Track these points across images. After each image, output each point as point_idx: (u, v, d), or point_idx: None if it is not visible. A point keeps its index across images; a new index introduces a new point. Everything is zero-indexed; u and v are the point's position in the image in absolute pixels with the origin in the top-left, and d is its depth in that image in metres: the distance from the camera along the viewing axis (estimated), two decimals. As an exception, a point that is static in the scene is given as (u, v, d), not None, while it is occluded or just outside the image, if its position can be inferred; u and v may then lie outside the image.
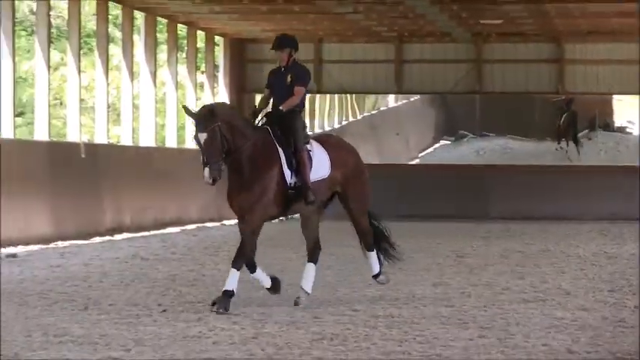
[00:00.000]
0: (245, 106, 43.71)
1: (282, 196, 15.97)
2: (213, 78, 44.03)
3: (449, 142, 70.61)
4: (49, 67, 32.66)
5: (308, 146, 16.23)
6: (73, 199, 30.90)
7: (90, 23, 36.04)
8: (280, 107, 16.14)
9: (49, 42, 32.66)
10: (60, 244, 28.44)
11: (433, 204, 42.24)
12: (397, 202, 41.24)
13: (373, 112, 66.33)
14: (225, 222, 40.26)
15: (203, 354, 12.08)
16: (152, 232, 33.82)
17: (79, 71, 33.81)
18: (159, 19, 38.86)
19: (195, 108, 17.69)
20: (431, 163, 59.19)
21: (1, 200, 26.51)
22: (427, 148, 71.48)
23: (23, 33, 43.96)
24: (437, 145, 71.09)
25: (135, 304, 16.42)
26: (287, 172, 15.89)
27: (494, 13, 37.85)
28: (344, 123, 60.40)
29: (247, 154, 15.66)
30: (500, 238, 32.74)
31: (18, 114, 33.84)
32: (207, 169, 15.16)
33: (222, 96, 43.81)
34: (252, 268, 16.06)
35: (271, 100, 16.49)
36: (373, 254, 17.24)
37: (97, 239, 30.43)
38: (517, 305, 16.69)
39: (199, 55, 44.14)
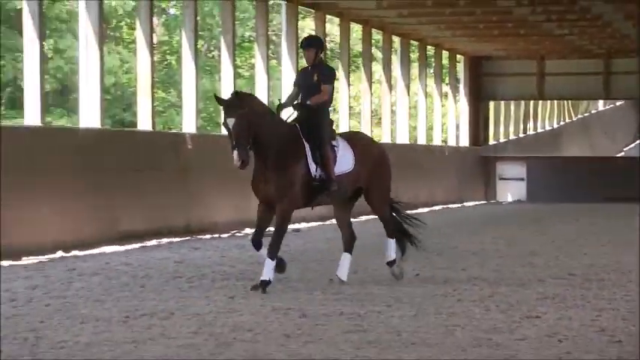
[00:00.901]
0: (480, 112, 44.46)
1: (308, 187, 14.04)
2: (455, 89, 44.61)
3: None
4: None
5: (334, 142, 14.33)
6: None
7: (357, 46, 36.63)
8: (308, 102, 14.26)
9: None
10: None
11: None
12: (603, 187, 41.45)
13: (585, 114, 66.26)
14: (465, 204, 40.68)
15: (449, 309, 12.28)
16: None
17: (349, 84, 34.50)
18: (412, 41, 39.45)
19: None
20: (634, 156, 58.46)
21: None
22: (630, 144, 71.46)
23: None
24: (638, 142, 71.03)
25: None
26: (312, 166, 13.98)
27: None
28: (561, 124, 60.58)
29: (275, 147, 13.75)
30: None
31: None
32: (236, 152, 13.18)
33: (463, 103, 44.47)
34: (258, 246, 13.96)
35: (299, 97, 14.53)
36: (392, 242, 15.14)
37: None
38: None
39: (444, 70, 44.72)
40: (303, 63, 15.03)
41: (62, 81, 37.84)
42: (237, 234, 24.26)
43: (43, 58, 20.53)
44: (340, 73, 34.23)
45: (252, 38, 40.27)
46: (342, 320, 11.21)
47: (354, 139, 14.96)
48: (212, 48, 44.56)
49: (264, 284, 13.53)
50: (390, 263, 15.07)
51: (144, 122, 23.82)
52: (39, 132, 19.85)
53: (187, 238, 22.76)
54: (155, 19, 25.26)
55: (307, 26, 40.78)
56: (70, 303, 12.57)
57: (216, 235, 23.66)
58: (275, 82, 34.90)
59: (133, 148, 22.38)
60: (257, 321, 11.08)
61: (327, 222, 27.95)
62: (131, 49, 39.58)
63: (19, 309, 12.00)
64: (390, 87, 37.71)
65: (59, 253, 18.79)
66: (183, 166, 23.81)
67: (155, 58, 24.85)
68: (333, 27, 37.71)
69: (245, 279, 15.03)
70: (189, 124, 25.43)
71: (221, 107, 13.83)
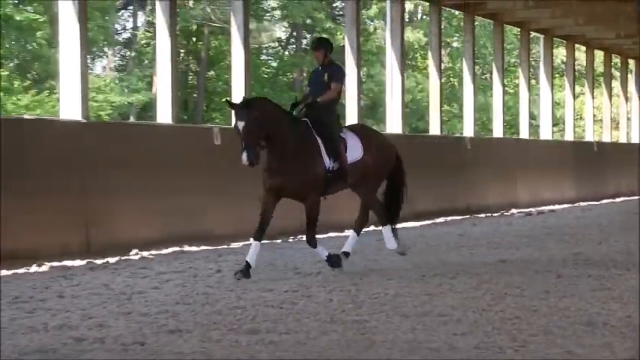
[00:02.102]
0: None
1: (324, 179, 11.70)
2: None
3: None
4: (574, 95, 32.98)
5: (342, 134, 12.00)
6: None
7: (599, 67, 35.86)
8: (318, 100, 11.88)
9: (574, 80, 32.90)
10: (582, 204, 28.46)
11: None
12: None
13: None
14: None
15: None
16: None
17: (592, 97, 33.86)
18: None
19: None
20: None
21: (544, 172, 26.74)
22: None
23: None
24: None
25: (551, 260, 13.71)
26: (326, 158, 11.65)
27: None
28: None
29: (291, 143, 11.43)
30: None
31: (555, 124, 33.86)
32: (244, 153, 10.89)
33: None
34: (260, 237, 11.43)
35: (310, 96, 12.22)
36: (387, 229, 12.67)
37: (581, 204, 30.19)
38: None
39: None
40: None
41: (372, 99, 38.43)
42: (505, 213, 24.18)
43: (360, 82, 20.98)
44: (585, 89, 33.74)
45: (516, 64, 39.88)
46: (590, 280, 10.93)
47: (360, 130, 12.48)
48: (485, 72, 44.28)
49: (333, 257, 11.71)
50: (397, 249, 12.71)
51: (434, 129, 24.03)
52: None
53: (467, 216, 22.74)
54: (442, 51, 25.37)
55: (560, 53, 40.08)
56: (380, 265, 12.75)
57: (489, 214, 23.59)
58: (534, 97, 34.45)
59: (425, 149, 22.51)
60: (523, 280, 10.95)
61: (577, 204, 27.57)
62: (424, 73, 39.80)
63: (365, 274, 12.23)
64: (626, 99, 36.76)
65: (371, 227, 19.05)
66: (463, 162, 23.86)
67: (442, 80, 24.89)
68: (580, 54, 36.95)
69: (512, 247, 14.86)
70: (468, 130, 25.66)
71: (232, 111, 11.59)
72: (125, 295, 9.89)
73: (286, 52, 41.68)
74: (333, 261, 11.71)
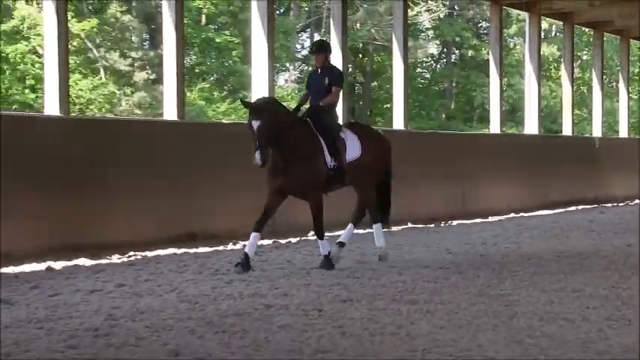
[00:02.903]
0: None
1: (326, 177, 10.07)
2: None
3: None
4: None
5: (341, 134, 10.34)
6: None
7: None
8: (320, 103, 10.25)
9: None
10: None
11: None
12: None
13: None
14: None
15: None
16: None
17: None
18: None
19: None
20: None
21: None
22: None
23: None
24: None
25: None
26: (328, 158, 10.05)
27: None
28: None
29: (295, 143, 9.81)
30: None
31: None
32: (258, 153, 9.34)
33: None
34: (259, 229, 9.84)
35: (309, 99, 10.56)
36: (378, 227, 10.88)
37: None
38: None
39: None
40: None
41: (512, 105, 37.82)
42: (630, 203, 23.38)
43: (502, 90, 20.68)
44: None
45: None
46: None
47: (358, 129, 10.63)
48: (612, 80, 42.93)
49: (328, 259, 10.03)
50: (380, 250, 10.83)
51: (566, 130, 23.49)
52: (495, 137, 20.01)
53: (595, 205, 22.09)
54: (574, 63, 24.71)
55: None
56: (520, 248, 12.50)
57: (615, 204, 22.84)
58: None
59: (558, 148, 22.07)
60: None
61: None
62: (557, 82, 38.85)
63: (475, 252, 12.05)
64: None
65: (512, 214, 18.80)
66: (591, 158, 23.27)
67: (573, 88, 24.22)
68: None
69: (628, 231, 14.46)
70: (597, 131, 25.03)
71: (248, 110, 9.80)
72: (305, 270, 9.96)
73: (438, 66, 41.37)
74: (326, 263, 9.97)
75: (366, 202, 10.67)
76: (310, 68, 12.64)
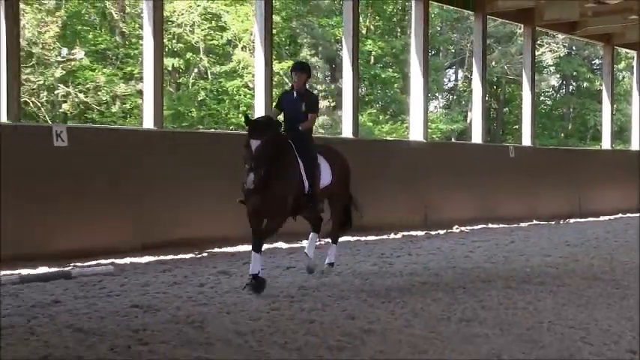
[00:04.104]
0: None
1: (298, 201, 7.47)
2: None
3: None
4: None
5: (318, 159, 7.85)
6: None
7: None
8: (299, 127, 7.62)
9: None
10: None
11: None
12: None
13: None
14: None
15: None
16: None
17: None
18: None
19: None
20: None
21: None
22: None
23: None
24: None
25: None
26: (305, 182, 7.51)
27: None
28: None
29: (278, 164, 7.13)
30: None
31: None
32: (252, 174, 6.78)
33: None
34: (259, 249, 7.01)
35: (285, 121, 7.77)
36: (334, 247, 8.31)
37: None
38: None
39: None
40: None
41: (620, 126, 36.06)
42: None
43: (613, 114, 19.71)
44: None
45: None
46: None
47: (327, 153, 8.06)
48: None
49: (254, 277, 7.01)
50: (330, 264, 8.24)
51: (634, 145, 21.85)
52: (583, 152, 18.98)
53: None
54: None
55: None
56: (623, 238, 11.84)
57: None
58: None
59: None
60: None
61: None
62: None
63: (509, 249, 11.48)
64: None
65: (619, 215, 17.83)
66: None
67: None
68: None
69: None
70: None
71: (247, 127, 7.07)
72: (451, 256, 9.81)
73: (558, 95, 40.04)
74: (253, 285, 7.01)
75: (336, 221, 8.24)
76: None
